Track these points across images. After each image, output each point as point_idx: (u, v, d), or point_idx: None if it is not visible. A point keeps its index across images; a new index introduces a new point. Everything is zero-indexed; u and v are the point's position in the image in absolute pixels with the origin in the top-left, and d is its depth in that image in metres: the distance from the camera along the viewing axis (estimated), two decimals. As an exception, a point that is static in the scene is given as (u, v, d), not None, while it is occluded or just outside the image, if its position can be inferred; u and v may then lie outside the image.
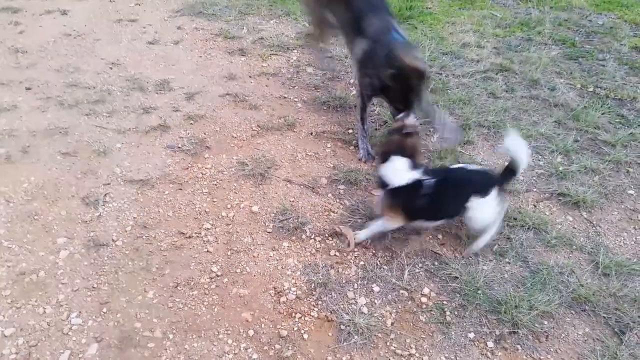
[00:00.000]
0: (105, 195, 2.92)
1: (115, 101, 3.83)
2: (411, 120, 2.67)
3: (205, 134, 3.54)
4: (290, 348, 2.15)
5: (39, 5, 5.52)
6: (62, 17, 5.30)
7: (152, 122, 3.61)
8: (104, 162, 3.19)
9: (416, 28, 5.29)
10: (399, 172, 2.48)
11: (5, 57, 4.41)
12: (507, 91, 4.15)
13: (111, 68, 4.32)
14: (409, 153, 2.50)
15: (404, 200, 2.50)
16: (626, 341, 2.20)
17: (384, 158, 2.54)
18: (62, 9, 5.44)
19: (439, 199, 2.44)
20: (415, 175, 2.46)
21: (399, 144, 2.54)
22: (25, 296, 2.30)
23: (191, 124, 3.65)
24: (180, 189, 3.02)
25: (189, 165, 3.22)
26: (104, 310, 2.26)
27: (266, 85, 4.24)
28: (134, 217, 2.78)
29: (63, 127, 3.48)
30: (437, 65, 4.48)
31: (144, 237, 2.66)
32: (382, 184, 2.56)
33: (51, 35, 4.87)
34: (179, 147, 3.37)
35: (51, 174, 3.06)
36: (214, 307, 2.32)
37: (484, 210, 2.47)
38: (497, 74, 4.41)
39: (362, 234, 2.65)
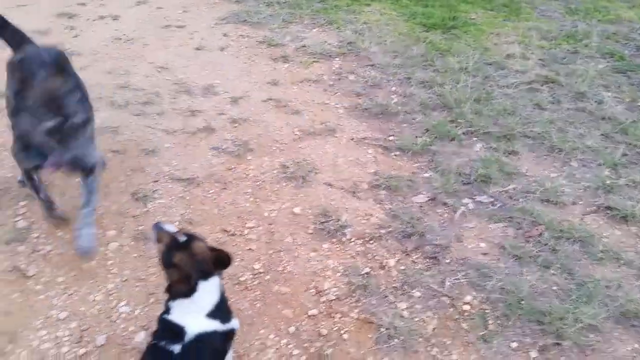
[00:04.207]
0: (153, 191, 3.02)
1: (164, 103, 3.96)
2: (169, 226, 1.79)
3: (248, 137, 3.61)
4: (330, 347, 2.16)
5: (92, 11, 5.77)
6: (114, 22, 5.52)
7: (198, 124, 3.71)
8: (153, 160, 3.29)
9: (459, 38, 5.27)
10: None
11: (61, 59, 4.62)
12: (552, 103, 4.08)
13: (159, 72, 4.47)
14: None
15: None
16: (678, 360, 2.13)
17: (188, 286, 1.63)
18: (114, 14, 5.67)
19: None
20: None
21: (194, 255, 1.67)
22: (77, 284, 2.40)
23: (235, 127, 3.73)
24: (225, 189, 3.09)
25: (233, 167, 3.29)
26: (152, 300, 2.33)
27: (308, 92, 4.30)
28: (181, 214, 2.86)
29: (114, 126, 3.61)
30: (481, 75, 4.45)
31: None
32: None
33: (103, 39, 5.08)
34: (223, 149, 3.45)
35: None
36: (256, 303, 2.36)
37: None
38: (542, 85, 4.36)
39: None
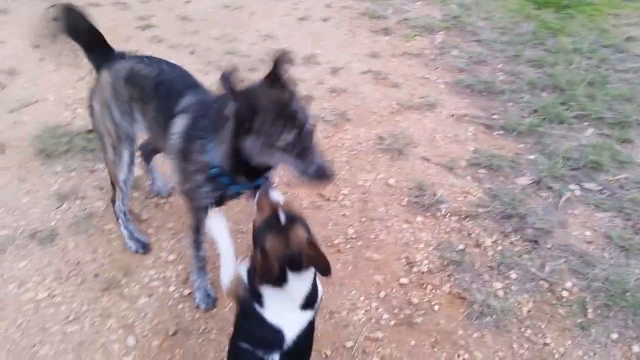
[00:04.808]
0: (255, 152, 3.15)
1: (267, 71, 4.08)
2: (277, 195, 1.52)
3: (346, 107, 3.65)
4: (420, 316, 2.18)
5: (203, -21, 6.05)
6: (223, -10, 5.75)
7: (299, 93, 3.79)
8: (255, 123, 3.43)
9: (573, 18, 4.93)
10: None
11: (174, 23, 4.90)
12: (677, 91, 3.73)
13: (264, 40, 4.61)
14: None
15: None
16: None
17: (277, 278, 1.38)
18: (223, -17, 5.91)
19: None
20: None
21: (289, 246, 1.37)
22: (185, 230, 2.58)
23: (334, 96, 3.78)
24: (321, 155, 3.15)
25: (330, 135, 3.35)
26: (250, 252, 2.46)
27: (408, 65, 4.25)
28: (279, 176, 2.97)
29: (221, 89, 3.80)
30: (597, 57, 4.15)
31: (288, 194, 2.84)
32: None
33: (212, 6, 5.32)
34: (321, 117, 3.52)
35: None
36: (348, 265, 2.42)
37: None
38: (666, 71, 3.99)
39: None
